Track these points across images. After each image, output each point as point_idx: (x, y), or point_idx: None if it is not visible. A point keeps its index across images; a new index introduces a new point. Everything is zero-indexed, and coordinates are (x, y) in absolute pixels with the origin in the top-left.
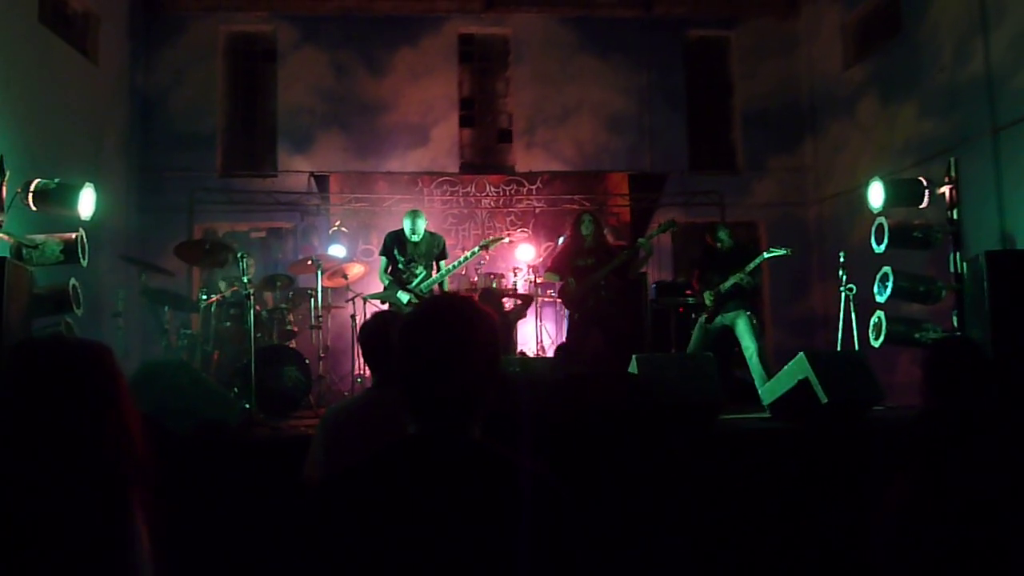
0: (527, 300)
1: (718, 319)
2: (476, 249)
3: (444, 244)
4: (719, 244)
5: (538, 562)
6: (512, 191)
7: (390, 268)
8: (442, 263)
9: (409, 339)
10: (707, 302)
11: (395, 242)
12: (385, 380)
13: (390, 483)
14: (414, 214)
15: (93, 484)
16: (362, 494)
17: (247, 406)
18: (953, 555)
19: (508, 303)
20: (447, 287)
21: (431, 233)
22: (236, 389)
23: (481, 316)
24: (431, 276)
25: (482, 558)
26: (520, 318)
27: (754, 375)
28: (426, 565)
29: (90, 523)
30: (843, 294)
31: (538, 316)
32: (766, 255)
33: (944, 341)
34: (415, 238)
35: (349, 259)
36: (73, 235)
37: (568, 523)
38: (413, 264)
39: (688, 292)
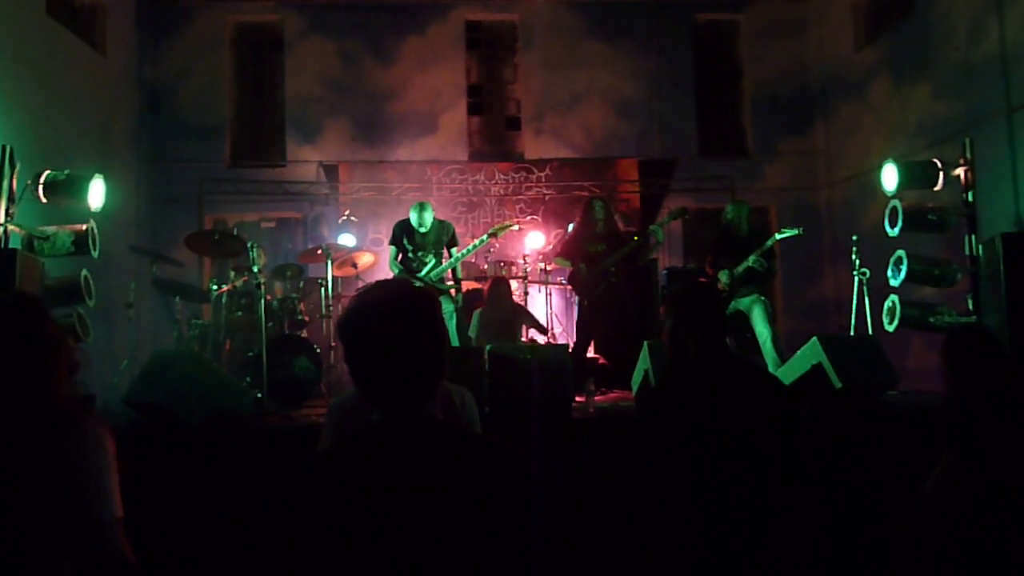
0: (541, 328)
1: (732, 304)
2: (485, 237)
3: (454, 231)
4: (739, 225)
5: (501, 541)
6: (521, 178)
7: (400, 257)
8: (453, 250)
9: (348, 330)
10: (723, 282)
11: (404, 231)
12: None
13: (352, 474)
14: (420, 207)
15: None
16: (326, 486)
17: (259, 396)
18: (988, 545)
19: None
20: (460, 274)
21: (440, 221)
22: (248, 379)
23: (416, 296)
24: (441, 264)
25: (444, 538)
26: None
27: (767, 361)
28: (384, 549)
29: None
30: (856, 278)
31: (548, 303)
32: (777, 236)
33: (963, 328)
34: (423, 229)
35: (359, 248)
36: (84, 226)
37: (535, 502)
38: (422, 253)
39: (702, 279)
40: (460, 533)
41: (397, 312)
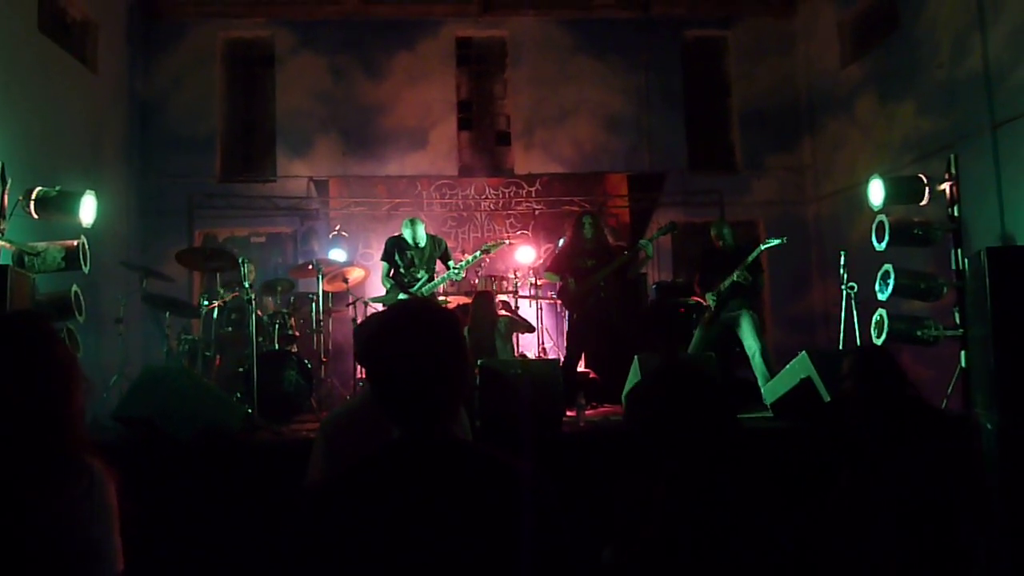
0: (528, 327)
1: (720, 317)
2: (478, 253)
3: (446, 246)
4: (721, 242)
5: (525, 561)
6: (511, 193)
7: (392, 272)
8: (450, 263)
9: (374, 346)
10: (710, 304)
11: (396, 247)
12: None
13: (375, 491)
14: (412, 222)
15: (43, 456)
16: (349, 503)
17: (249, 411)
18: (888, 551)
19: (503, 310)
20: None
21: (432, 237)
22: (238, 394)
23: (442, 316)
24: (433, 280)
25: (466, 558)
26: (517, 330)
27: (757, 374)
28: (404, 564)
29: (44, 496)
30: (844, 292)
31: (539, 318)
32: (762, 247)
33: (867, 350)
34: (420, 244)
35: (349, 263)
36: (74, 242)
37: (556, 520)
38: (414, 268)
39: (693, 297)
40: (478, 549)
41: (422, 331)
